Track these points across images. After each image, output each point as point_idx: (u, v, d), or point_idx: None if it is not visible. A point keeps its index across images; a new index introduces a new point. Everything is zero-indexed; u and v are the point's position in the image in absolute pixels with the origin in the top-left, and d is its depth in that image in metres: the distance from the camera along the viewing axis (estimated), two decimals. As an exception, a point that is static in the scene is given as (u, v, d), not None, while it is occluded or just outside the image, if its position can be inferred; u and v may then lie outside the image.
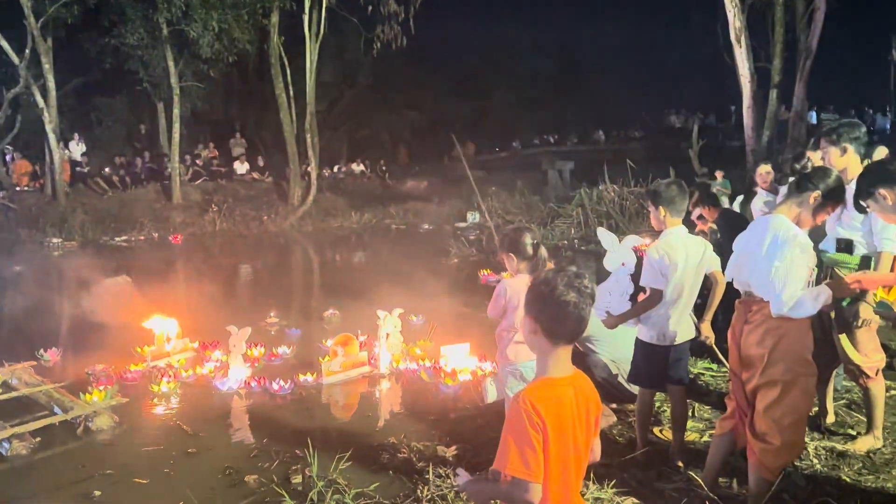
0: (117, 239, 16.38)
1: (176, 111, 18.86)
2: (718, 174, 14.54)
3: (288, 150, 19.86)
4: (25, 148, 19.18)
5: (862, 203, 2.77)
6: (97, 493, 3.87)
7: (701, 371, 5.62)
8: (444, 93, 31.80)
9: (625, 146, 26.71)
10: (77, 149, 19.44)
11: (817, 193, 3.01)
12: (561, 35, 31.49)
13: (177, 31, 17.69)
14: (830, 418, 4.41)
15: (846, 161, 3.94)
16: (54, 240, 15.56)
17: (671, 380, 3.86)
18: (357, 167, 24.96)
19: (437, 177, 26.18)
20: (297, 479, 3.93)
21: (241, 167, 21.87)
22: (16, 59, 16.45)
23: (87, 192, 18.47)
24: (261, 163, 22.57)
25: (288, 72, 19.35)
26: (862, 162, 4.02)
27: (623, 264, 4.13)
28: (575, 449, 1.90)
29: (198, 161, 21.18)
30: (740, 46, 13.87)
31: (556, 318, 1.88)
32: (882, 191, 2.66)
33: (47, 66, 16.85)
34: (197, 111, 22.66)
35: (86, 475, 4.09)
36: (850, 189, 4.01)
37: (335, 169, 24.39)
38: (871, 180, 2.72)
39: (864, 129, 3.99)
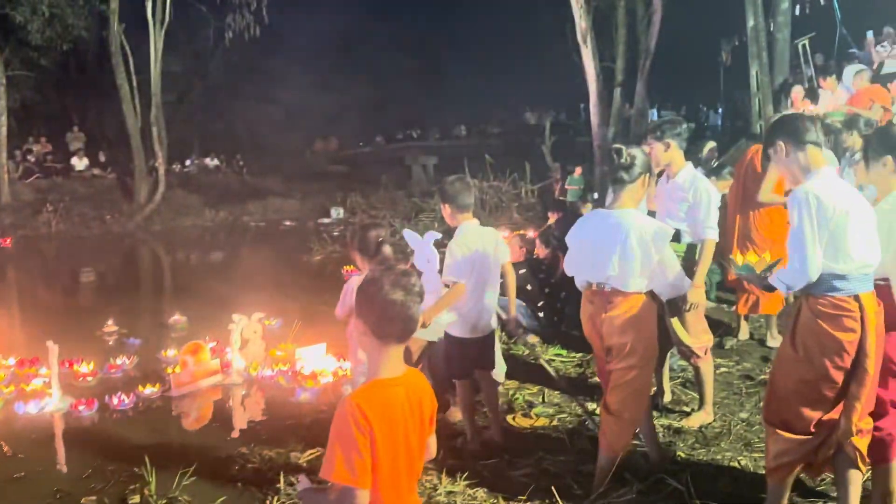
0: (-66, 242, 14.61)
1: (2, 102, 17.09)
2: (577, 170, 15.28)
3: (132, 145, 18.55)
4: None
5: (768, 152, 2.87)
6: None
7: (552, 357, 5.83)
8: (303, 85, 31.05)
9: (485, 141, 27.37)
10: None
11: (645, 177, 3.29)
12: (420, 30, 31.64)
13: (3, 15, 15.98)
14: (667, 397, 4.70)
15: (670, 156, 4.22)
16: None
17: (481, 367, 4.00)
18: (211, 162, 23.79)
19: (299, 171, 25.57)
20: (135, 499, 3.65)
21: (79, 163, 20.22)
22: None
23: None
24: (102, 158, 20.94)
25: (131, 61, 18.07)
26: (686, 156, 4.31)
27: (428, 262, 4.20)
28: (407, 450, 1.87)
29: (29, 157, 19.32)
30: (586, 47, 14.53)
31: (384, 318, 1.84)
32: (780, 142, 2.79)
33: None
34: (28, 103, 20.67)
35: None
36: (676, 182, 4.31)
37: (186, 164, 23.08)
38: (775, 131, 2.84)
39: (685, 126, 4.28)
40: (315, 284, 9.50)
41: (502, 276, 4.06)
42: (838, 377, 2.68)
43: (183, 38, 23.24)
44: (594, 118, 15.23)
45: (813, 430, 2.79)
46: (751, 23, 10.97)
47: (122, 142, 20.35)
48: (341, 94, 32.51)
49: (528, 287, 6.42)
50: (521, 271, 6.50)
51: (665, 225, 3.49)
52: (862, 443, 2.79)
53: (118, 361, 5.78)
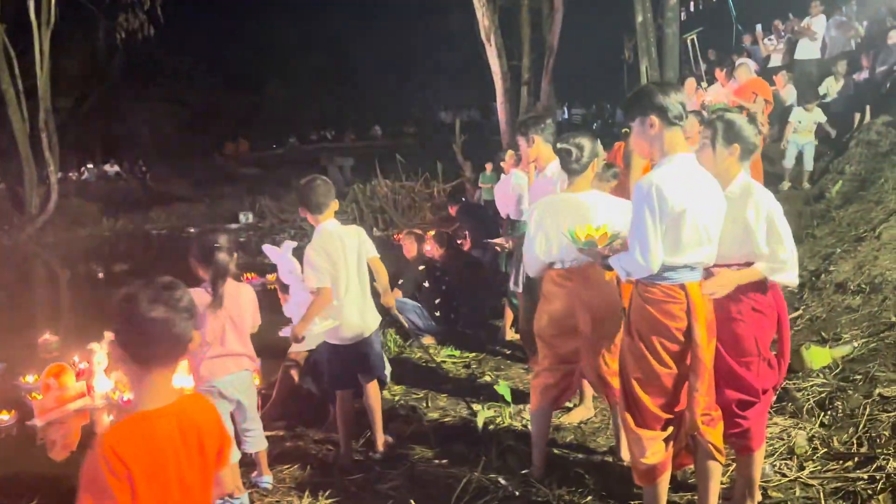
0: None
1: None
2: (488, 167, 15.21)
3: (21, 153, 17.41)
4: None
5: (631, 119, 2.71)
6: None
7: (444, 359, 5.69)
8: (211, 86, 30.11)
9: (400, 141, 27.20)
10: None
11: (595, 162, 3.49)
12: (330, 30, 31.11)
13: None
14: None
15: (537, 150, 4.14)
16: None
17: (363, 373, 3.80)
18: (111, 168, 22.67)
19: (209, 175, 24.71)
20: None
21: (-38, 173, 18.85)
22: None
23: None
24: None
25: (15, 64, 16.93)
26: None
27: (291, 272, 4.00)
28: (182, 489, 1.63)
29: None
30: (491, 45, 14.53)
31: (144, 340, 1.60)
32: (654, 116, 2.65)
33: None
34: None
35: None
36: (546, 176, 4.24)
37: (82, 172, 21.90)
38: (647, 104, 2.66)
39: (549, 121, 4.25)
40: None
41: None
42: (671, 363, 2.65)
43: (77, 38, 22.07)
44: (501, 116, 15.27)
45: (658, 425, 2.73)
46: (639, 18, 11.18)
47: (12, 150, 19.10)
48: (252, 94, 31.71)
49: (426, 284, 6.27)
50: (421, 267, 6.37)
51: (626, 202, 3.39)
52: (714, 434, 2.75)
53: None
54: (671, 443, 2.78)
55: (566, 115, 26.61)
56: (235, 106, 30.94)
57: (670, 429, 2.76)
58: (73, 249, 15.68)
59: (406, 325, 6.12)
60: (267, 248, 4.21)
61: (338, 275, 3.60)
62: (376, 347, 3.88)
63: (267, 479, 3.57)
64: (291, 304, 4.19)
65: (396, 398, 4.82)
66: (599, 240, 2.85)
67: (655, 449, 2.73)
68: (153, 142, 26.93)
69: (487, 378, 5.19)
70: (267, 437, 3.83)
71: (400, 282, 6.55)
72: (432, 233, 7.40)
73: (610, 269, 2.83)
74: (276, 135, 30.91)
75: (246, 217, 18.21)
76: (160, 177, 23.97)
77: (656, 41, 11.32)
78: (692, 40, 12.54)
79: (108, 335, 4.94)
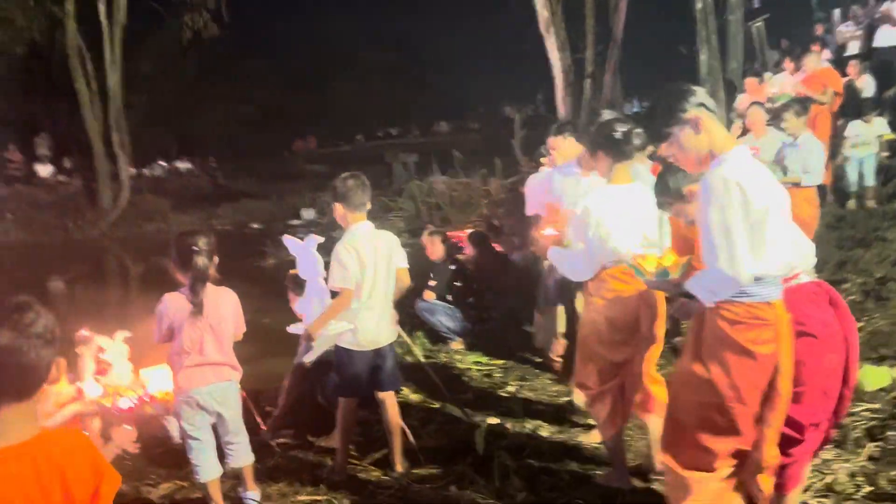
0: None
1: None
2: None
3: (94, 150, 18.13)
4: None
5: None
6: None
7: (469, 365, 5.44)
8: (279, 85, 30.66)
9: (464, 136, 26.99)
10: None
11: None
12: (396, 26, 31.20)
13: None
14: None
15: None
16: None
17: (375, 385, 3.57)
18: (182, 164, 23.37)
19: (276, 172, 25.17)
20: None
21: (43, 169, 19.77)
22: None
23: None
24: (67, 164, 20.45)
25: (89, 63, 17.60)
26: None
27: (312, 266, 3.80)
28: None
29: (-9, 165, 18.89)
30: (550, 36, 14.09)
31: None
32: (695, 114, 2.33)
33: None
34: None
35: None
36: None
37: (154, 168, 22.66)
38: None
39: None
40: (256, 291, 9.05)
41: None
42: (752, 398, 2.26)
43: (151, 39, 22.86)
44: (561, 111, 14.80)
45: (716, 466, 2.36)
46: (699, 5, 10.39)
47: (89, 147, 19.94)
48: (320, 92, 32.14)
49: (457, 284, 6.02)
50: (452, 267, 6.14)
51: None
52: (767, 482, 2.37)
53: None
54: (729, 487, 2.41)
55: (636, 108, 25.71)
56: (304, 104, 31.40)
57: (725, 470, 2.38)
58: (141, 245, 16.17)
59: (437, 327, 5.91)
60: (288, 240, 4.01)
61: (363, 278, 3.44)
62: (389, 360, 3.65)
63: (252, 495, 3.40)
64: (304, 301, 4.02)
65: (412, 407, 4.58)
66: (671, 268, 2.47)
67: (704, 495, 2.36)
68: (224, 139, 27.67)
69: (511, 388, 4.90)
70: (274, 446, 3.70)
71: (430, 283, 6.33)
72: (468, 231, 7.14)
73: (689, 296, 2.42)
74: (343, 132, 31.19)
75: (308, 214, 18.36)
76: (229, 173, 24.54)
77: (717, 30, 10.54)
78: (758, 28, 11.72)
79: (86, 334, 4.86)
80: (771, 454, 2.32)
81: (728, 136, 2.39)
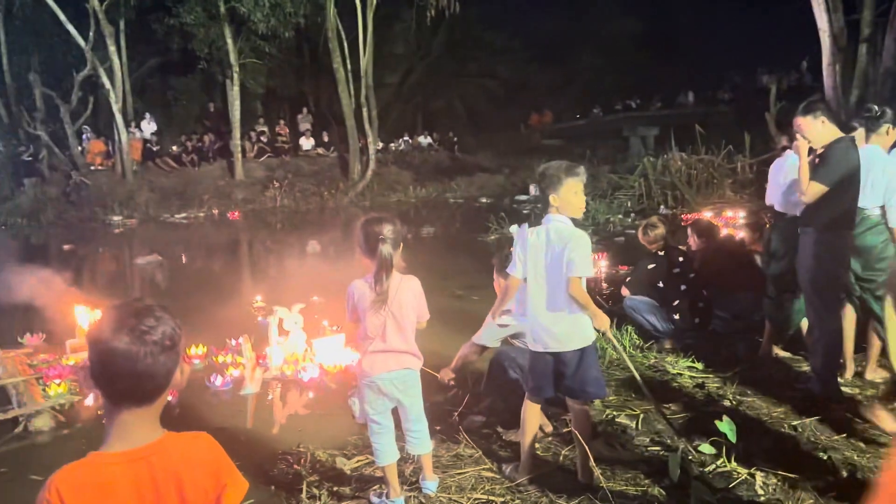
0: (177, 216, 16.87)
1: (235, 89, 19.13)
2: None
3: (347, 125, 19.77)
4: (103, 128, 19.99)
5: None
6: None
7: (681, 371, 4.91)
8: (524, 59, 30.73)
9: (713, 108, 24.89)
10: (148, 128, 20.07)
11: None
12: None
13: (233, 7, 17.81)
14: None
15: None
16: (115, 217, 16.18)
17: (563, 391, 3.28)
18: (424, 140, 24.60)
19: (513, 147, 25.49)
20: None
21: (306, 143, 22.01)
22: (82, 43, 17.08)
23: (155, 171, 19.14)
24: (325, 138, 22.59)
25: (345, 45, 19.13)
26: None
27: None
28: None
29: (262, 137, 21.45)
30: (817, -4, 12.26)
31: (106, 372, 1.39)
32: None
33: (112, 49, 17.42)
34: (270, 88, 23.00)
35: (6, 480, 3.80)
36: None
37: (399, 143, 24.13)
38: None
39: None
40: (475, 266, 9.15)
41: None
42: None
43: (398, 20, 24.21)
44: (828, 81, 12.87)
45: None
46: None
47: (343, 122, 21.83)
48: (562, 65, 31.64)
49: (660, 284, 5.48)
50: (651, 266, 5.59)
51: None
52: None
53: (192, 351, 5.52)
54: None
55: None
56: (544, 78, 31.20)
57: None
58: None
59: (644, 325, 5.48)
60: (514, 230, 3.85)
61: (535, 270, 3.22)
62: (574, 368, 3.22)
63: (430, 485, 3.35)
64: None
65: (606, 413, 4.23)
66: None
67: None
68: (466, 115, 28.57)
69: (726, 403, 4.32)
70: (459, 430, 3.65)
71: (627, 279, 5.85)
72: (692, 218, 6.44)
73: None
74: (581, 105, 30.49)
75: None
76: (467, 148, 25.33)
77: None
78: None
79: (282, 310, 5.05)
80: None
81: None
